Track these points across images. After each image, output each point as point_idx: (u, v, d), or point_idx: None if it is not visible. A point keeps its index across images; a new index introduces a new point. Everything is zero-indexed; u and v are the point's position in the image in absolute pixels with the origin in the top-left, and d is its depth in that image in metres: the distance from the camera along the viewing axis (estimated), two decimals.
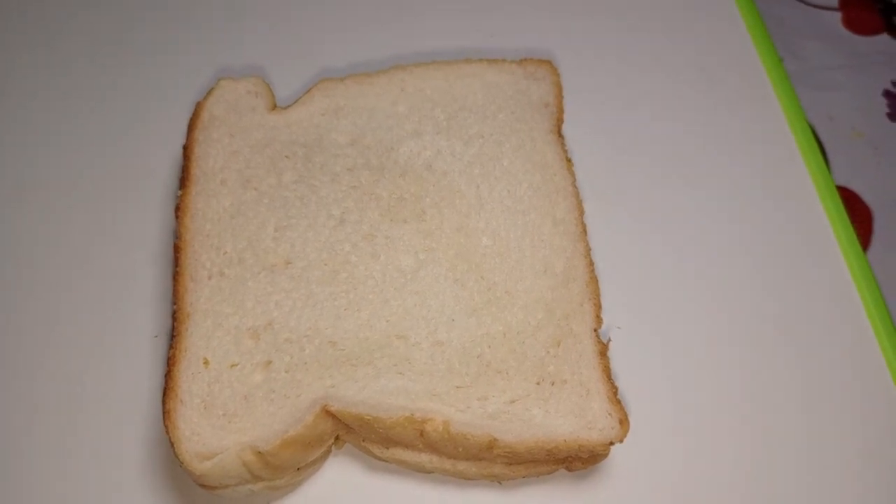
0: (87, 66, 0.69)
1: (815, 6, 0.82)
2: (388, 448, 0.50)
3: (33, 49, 0.70)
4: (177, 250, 0.54)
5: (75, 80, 0.68)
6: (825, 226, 0.63)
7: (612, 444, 0.48)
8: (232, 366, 0.50)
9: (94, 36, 0.71)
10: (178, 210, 0.55)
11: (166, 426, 0.47)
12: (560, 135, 0.60)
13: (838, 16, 0.82)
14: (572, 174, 0.58)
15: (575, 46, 0.70)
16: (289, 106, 0.60)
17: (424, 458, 0.50)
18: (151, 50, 0.70)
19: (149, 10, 0.72)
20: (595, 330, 0.52)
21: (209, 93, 0.60)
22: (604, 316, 0.53)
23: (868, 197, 0.70)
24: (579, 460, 0.49)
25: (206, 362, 0.50)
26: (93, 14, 0.72)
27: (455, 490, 0.52)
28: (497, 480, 0.51)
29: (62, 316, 0.57)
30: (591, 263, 0.55)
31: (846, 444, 0.54)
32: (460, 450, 0.48)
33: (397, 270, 0.53)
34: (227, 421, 0.48)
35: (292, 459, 0.48)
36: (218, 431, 0.47)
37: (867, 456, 0.54)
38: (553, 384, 0.50)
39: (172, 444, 0.47)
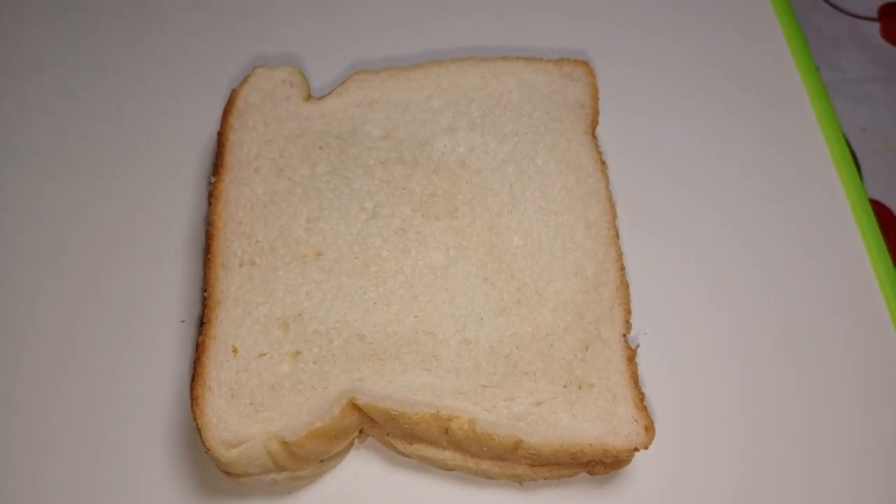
0: (125, 51, 0.69)
1: (854, 15, 0.81)
2: (411, 444, 0.50)
3: (70, 34, 0.70)
4: (209, 237, 0.54)
5: (111, 64, 0.68)
6: (856, 239, 0.62)
7: (636, 450, 0.48)
8: (260, 355, 0.50)
9: (132, 19, 0.71)
10: (211, 197, 0.55)
11: (194, 412, 0.48)
12: (594, 136, 0.60)
13: (876, 26, 0.81)
14: (606, 177, 0.57)
15: (610, 50, 0.70)
16: (323, 96, 0.60)
17: (447, 456, 0.50)
18: (188, 35, 0.70)
19: None
20: (624, 335, 0.52)
21: (245, 80, 0.60)
22: (631, 321, 0.53)
23: None
24: (602, 465, 0.49)
25: (234, 350, 0.50)
26: None
27: (475, 489, 0.52)
28: (518, 481, 0.51)
29: (91, 297, 0.57)
30: (623, 268, 0.54)
31: (876, 455, 0.54)
32: (485, 449, 0.48)
33: (427, 266, 0.53)
34: (253, 410, 0.48)
35: (317, 451, 0.48)
36: (245, 420, 0.48)
37: None
38: (580, 388, 0.50)
39: (199, 431, 0.47)
